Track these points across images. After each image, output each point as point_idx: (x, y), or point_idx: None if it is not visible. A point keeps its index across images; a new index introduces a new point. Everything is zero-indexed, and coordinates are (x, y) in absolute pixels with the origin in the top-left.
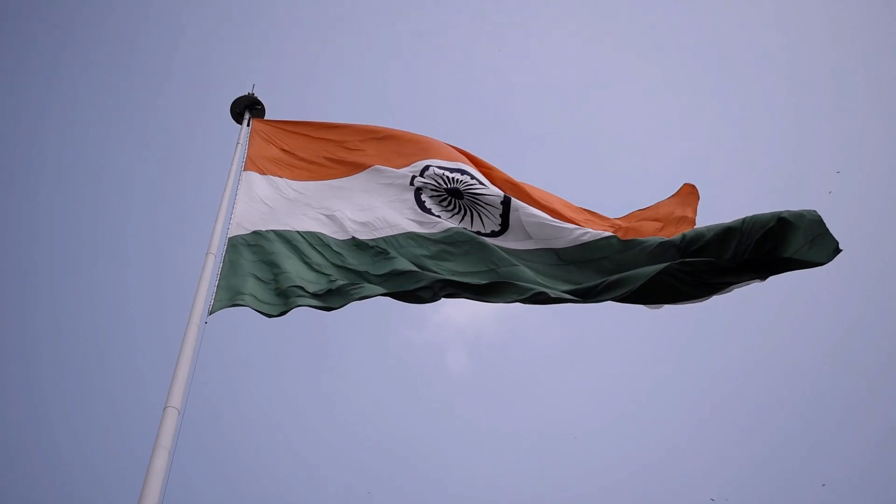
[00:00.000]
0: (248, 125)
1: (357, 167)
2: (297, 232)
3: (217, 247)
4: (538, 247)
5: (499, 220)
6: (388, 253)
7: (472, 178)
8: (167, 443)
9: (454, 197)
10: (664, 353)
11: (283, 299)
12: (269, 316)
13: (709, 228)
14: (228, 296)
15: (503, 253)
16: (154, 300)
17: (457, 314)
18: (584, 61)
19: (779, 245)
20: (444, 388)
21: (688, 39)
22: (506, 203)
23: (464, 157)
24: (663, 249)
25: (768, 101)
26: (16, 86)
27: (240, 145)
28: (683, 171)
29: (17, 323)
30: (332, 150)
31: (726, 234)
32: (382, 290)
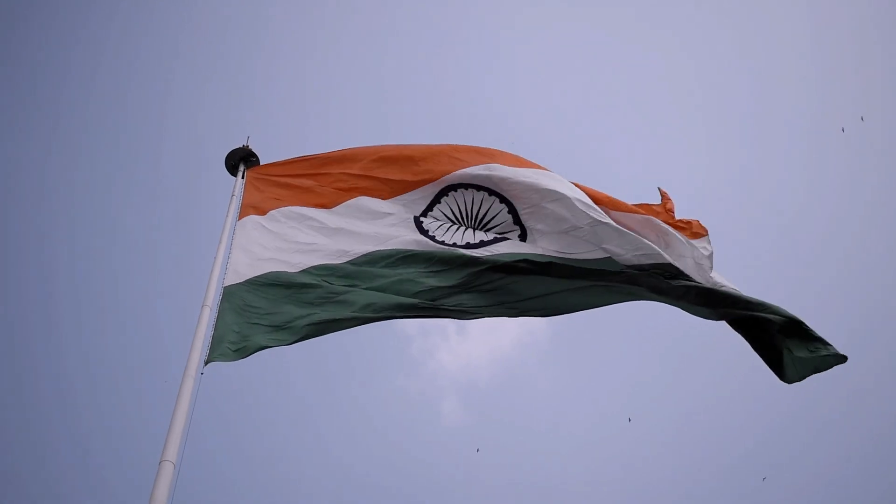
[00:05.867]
0: (242, 177)
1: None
2: (296, 272)
3: (212, 298)
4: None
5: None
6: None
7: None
8: (163, 497)
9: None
10: (664, 385)
11: (276, 335)
12: (266, 347)
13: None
14: (222, 347)
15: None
16: (151, 354)
17: (450, 362)
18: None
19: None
20: (436, 436)
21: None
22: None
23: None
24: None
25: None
26: (12, 144)
27: (234, 197)
28: (689, 170)
29: (15, 372)
30: (334, 181)
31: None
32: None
